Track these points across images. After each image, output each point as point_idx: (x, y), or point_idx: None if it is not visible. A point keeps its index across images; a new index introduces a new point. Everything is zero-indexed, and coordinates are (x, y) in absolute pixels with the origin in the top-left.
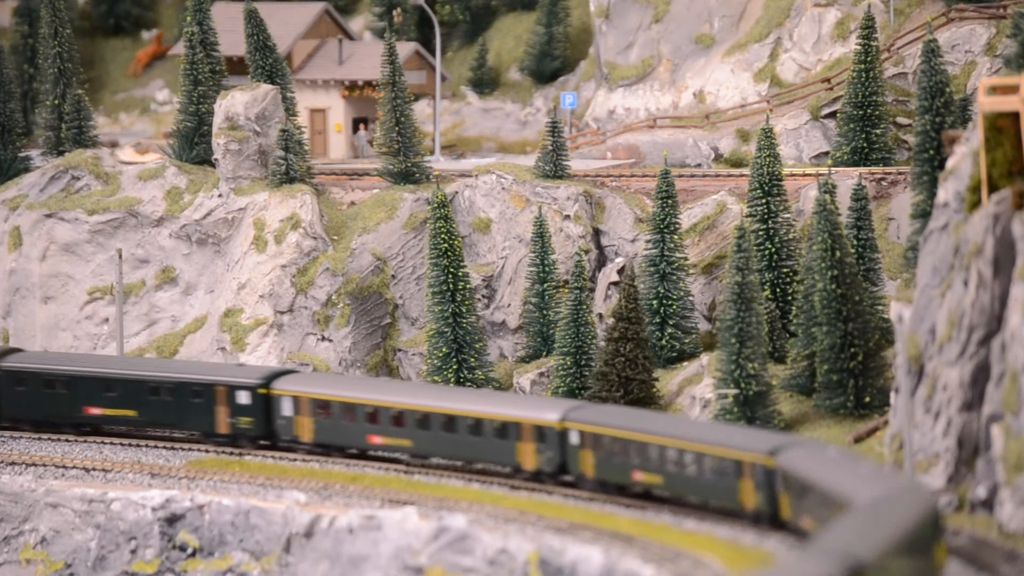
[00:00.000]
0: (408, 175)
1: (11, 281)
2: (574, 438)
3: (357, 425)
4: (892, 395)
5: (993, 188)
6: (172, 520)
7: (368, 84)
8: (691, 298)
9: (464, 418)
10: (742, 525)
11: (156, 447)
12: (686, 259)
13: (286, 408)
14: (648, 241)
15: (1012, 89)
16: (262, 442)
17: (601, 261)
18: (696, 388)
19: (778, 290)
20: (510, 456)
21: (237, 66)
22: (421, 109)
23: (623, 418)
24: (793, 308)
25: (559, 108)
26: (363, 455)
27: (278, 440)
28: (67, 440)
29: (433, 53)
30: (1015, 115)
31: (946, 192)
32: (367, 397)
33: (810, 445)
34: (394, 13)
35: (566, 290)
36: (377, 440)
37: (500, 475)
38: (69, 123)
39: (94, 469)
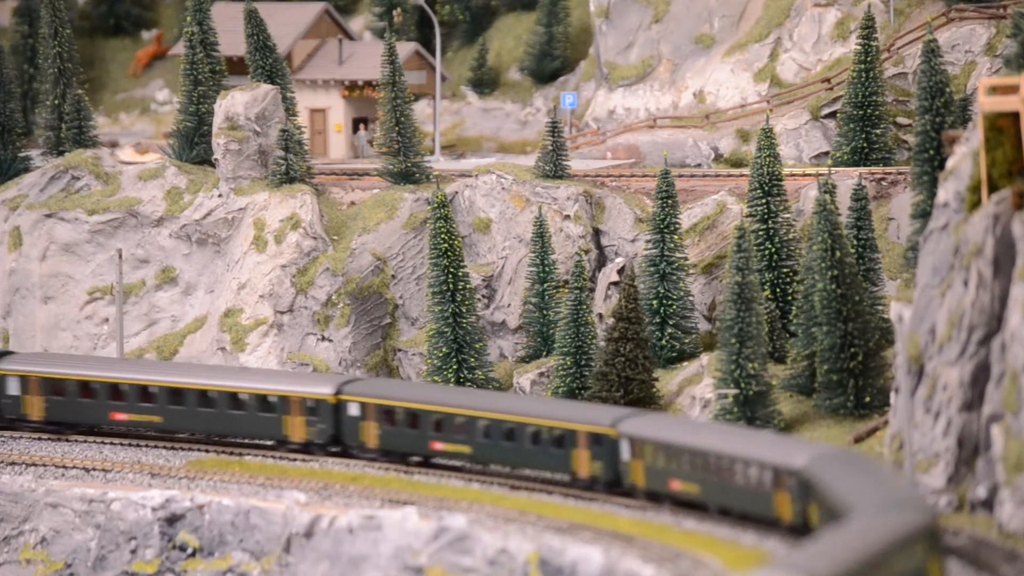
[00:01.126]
0: (408, 175)
1: (11, 281)
2: (353, 410)
3: (98, 403)
4: (892, 395)
5: (993, 188)
6: (172, 520)
7: (368, 84)
8: (691, 298)
9: (222, 393)
10: (573, 492)
11: (156, 447)
12: (686, 259)
13: (12, 388)
14: (648, 241)
15: (1012, 89)
16: None
17: (601, 261)
18: (696, 388)
19: (778, 290)
20: (276, 429)
21: (237, 66)
22: (421, 109)
23: (420, 392)
24: (793, 308)
25: (559, 108)
26: (103, 432)
27: (1, 419)
28: (67, 440)
29: (433, 53)
30: (1015, 115)
31: (946, 192)
32: (107, 375)
33: (654, 415)
34: (394, 13)
35: (566, 290)
36: (121, 417)
37: (263, 447)
38: (69, 123)
39: (94, 469)
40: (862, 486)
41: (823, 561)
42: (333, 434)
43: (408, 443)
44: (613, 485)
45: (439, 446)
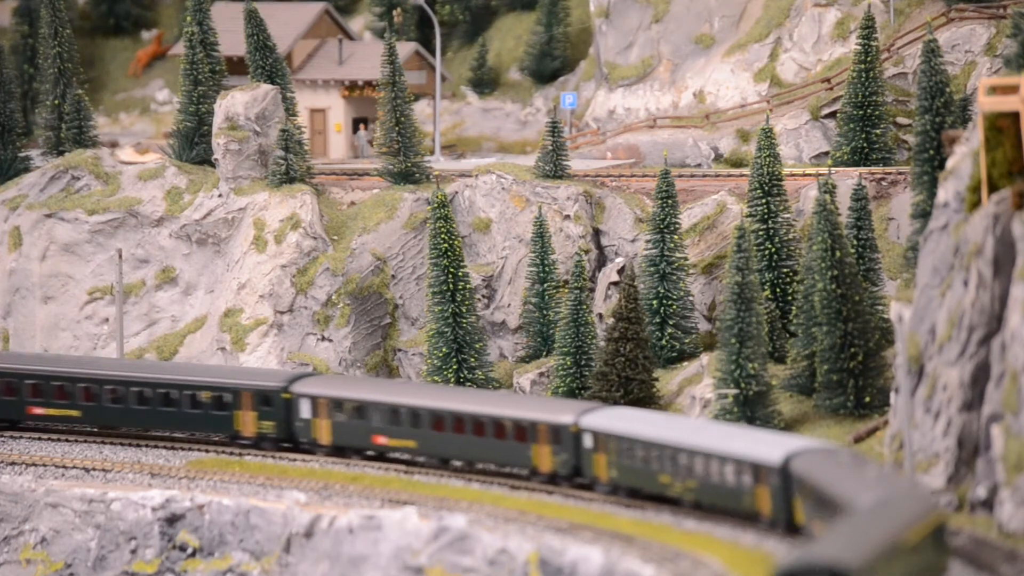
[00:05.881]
0: (408, 175)
1: (11, 281)
2: (304, 408)
3: (17, 399)
4: (892, 395)
5: (993, 188)
6: (172, 520)
7: (368, 84)
8: (691, 298)
9: (172, 386)
10: (536, 486)
11: (156, 447)
12: (686, 259)
13: None
14: (648, 241)
15: (1012, 89)
16: None
17: (601, 261)
18: (696, 388)
19: (778, 290)
20: (227, 426)
21: (237, 66)
22: (421, 109)
23: (365, 387)
24: (793, 308)
25: (559, 108)
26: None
27: None
28: (67, 440)
29: (433, 53)
30: (1015, 115)
31: (946, 192)
32: (25, 367)
33: (620, 409)
34: (394, 13)
35: (566, 290)
36: (39, 411)
37: (216, 443)
38: (69, 123)
39: (94, 469)
40: (862, 479)
41: (862, 545)
42: (287, 430)
43: (355, 438)
44: (574, 478)
45: (382, 440)
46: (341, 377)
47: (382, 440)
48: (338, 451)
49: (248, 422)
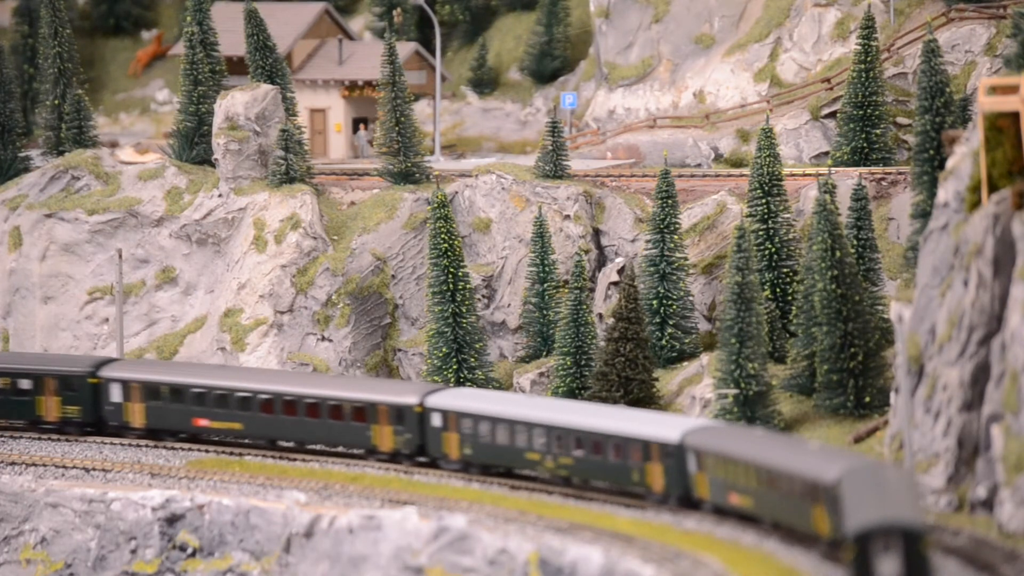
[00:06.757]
0: (408, 175)
1: (11, 281)
2: (115, 392)
3: None
4: (892, 395)
5: (993, 188)
6: (172, 520)
7: (368, 84)
8: (691, 298)
9: None
10: (376, 462)
11: (156, 447)
12: (686, 259)
13: None
14: (648, 241)
15: (1012, 89)
16: None
17: (601, 261)
18: (696, 388)
19: (778, 290)
20: (29, 411)
21: (237, 66)
22: (421, 109)
23: (183, 370)
24: (793, 308)
25: (559, 108)
26: None
27: None
28: (67, 440)
29: (433, 53)
30: (1015, 115)
31: (946, 192)
32: None
33: (459, 389)
34: (394, 13)
35: (566, 290)
36: None
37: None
38: (69, 123)
39: (94, 469)
40: (810, 453)
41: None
42: (97, 415)
43: (173, 421)
44: (416, 456)
45: (204, 423)
46: (155, 361)
47: (204, 422)
48: (151, 434)
49: (51, 407)
